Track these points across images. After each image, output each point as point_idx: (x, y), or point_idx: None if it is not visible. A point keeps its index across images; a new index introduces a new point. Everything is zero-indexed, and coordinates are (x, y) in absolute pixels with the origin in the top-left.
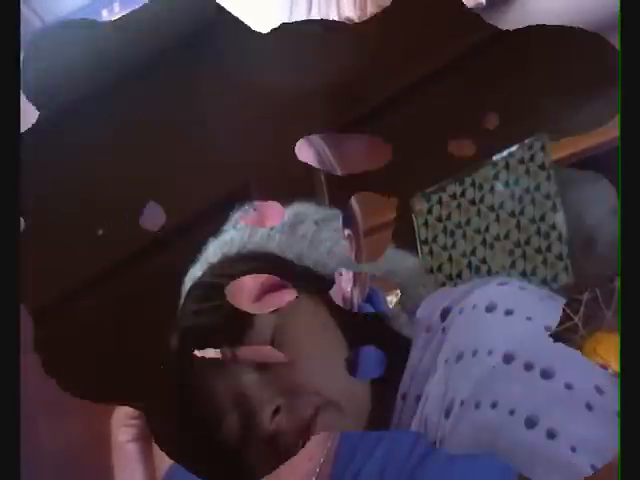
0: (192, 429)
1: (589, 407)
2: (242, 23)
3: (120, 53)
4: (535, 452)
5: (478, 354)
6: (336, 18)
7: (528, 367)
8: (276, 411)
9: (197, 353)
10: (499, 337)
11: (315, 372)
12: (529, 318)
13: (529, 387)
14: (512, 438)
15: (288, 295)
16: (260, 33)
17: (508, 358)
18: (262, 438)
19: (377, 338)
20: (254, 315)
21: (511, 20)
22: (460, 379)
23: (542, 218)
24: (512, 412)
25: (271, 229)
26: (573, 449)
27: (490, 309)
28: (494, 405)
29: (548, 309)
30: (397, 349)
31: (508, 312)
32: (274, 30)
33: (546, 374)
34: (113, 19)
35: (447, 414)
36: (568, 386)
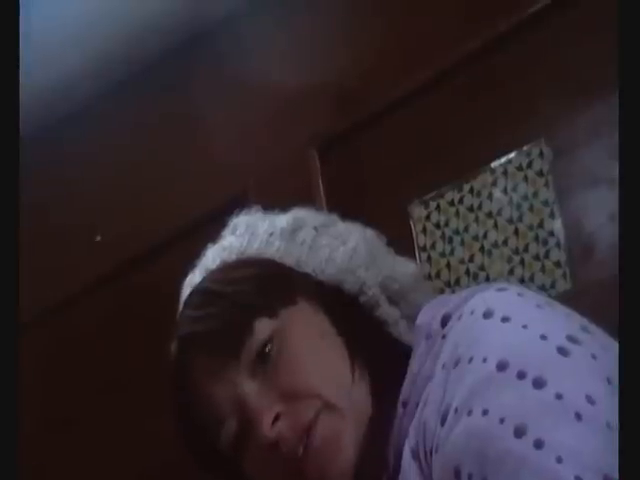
0: (191, 436)
1: (578, 417)
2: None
3: (120, 56)
4: (522, 461)
5: (473, 361)
6: None
7: (521, 375)
8: (276, 418)
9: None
10: (494, 344)
11: (314, 376)
12: (525, 326)
13: (520, 396)
14: (501, 446)
15: None
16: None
17: (502, 366)
18: (263, 446)
19: (376, 345)
20: (253, 322)
21: None
22: (456, 385)
23: (540, 225)
24: (502, 420)
25: (270, 235)
26: (559, 460)
27: (487, 315)
28: (485, 412)
29: (545, 317)
30: (397, 356)
31: (505, 319)
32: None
33: (538, 383)
34: None
35: (443, 421)
36: (558, 396)
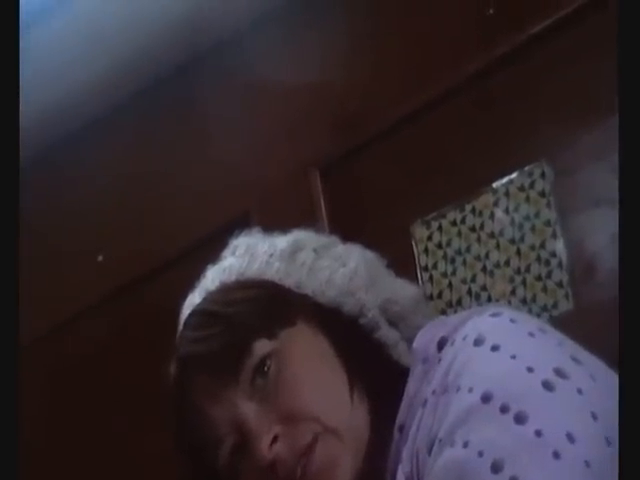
0: (190, 456)
1: (556, 455)
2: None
3: (120, 77)
4: None
5: (460, 390)
6: None
7: (504, 409)
8: (274, 439)
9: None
10: (481, 374)
11: (313, 399)
12: (513, 356)
13: (501, 430)
14: None
15: None
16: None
17: (486, 397)
18: (261, 467)
19: (376, 367)
20: (252, 343)
21: None
22: (443, 414)
23: (542, 245)
24: (481, 454)
25: (270, 256)
26: None
27: (478, 342)
28: (465, 445)
29: (535, 347)
30: (396, 379)
31: (494, 347)
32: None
33: (519, 418)
34: None
35: (430, 450)
36: (538, 433)
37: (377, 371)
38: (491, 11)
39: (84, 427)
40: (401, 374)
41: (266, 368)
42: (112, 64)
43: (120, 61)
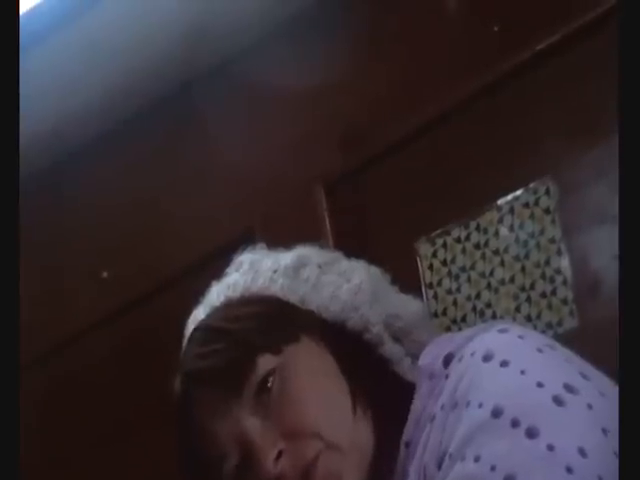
0: (194, 472)
1: (569, 470)
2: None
3: (123, 95)
4: None
5: (470, 406)
6: None
7: (515, 424)
8: (279, 455)
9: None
10: (491, 390)
11: (317, 415)
12: (523, 372)
13: (513, 445)
14: None
15: None
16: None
17: (497, 412)
18: None
19: (380, 383)
20: (256, 358)
21: None
22: (452, 430)
23: (547, 262)
24: (493, 468)
25: (274, 272)
26: None
27: (487, 358)
28: (477, 459)
29: (544, 362)
30: (401, 394)
31: (503, 363)
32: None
33: (531, 433)
34: None
35: (439, 466)
36: (550, 447)
37: (382, 387)
38: (496, 28)
39: (86, 445)
40: (406, 390)
41: (270, 384)
42: (115, 81)
43: (123, 78)
